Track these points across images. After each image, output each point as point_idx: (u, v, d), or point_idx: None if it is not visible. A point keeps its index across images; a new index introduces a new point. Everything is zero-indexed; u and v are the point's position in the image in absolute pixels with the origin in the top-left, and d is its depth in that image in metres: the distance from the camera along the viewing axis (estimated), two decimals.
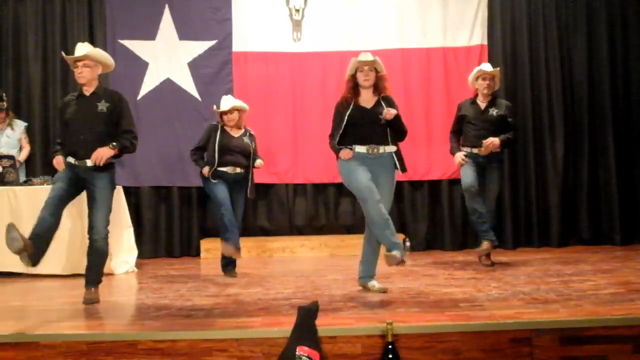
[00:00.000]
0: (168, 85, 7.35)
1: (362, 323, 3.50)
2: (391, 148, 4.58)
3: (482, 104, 5.85)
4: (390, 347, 3.19)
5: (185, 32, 7.36)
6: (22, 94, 7.35)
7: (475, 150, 5.77)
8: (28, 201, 5.79)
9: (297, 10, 7.39)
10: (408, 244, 7.18)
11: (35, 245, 4.24)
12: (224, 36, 7.38)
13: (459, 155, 5.80)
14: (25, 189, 5.88)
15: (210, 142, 5.63)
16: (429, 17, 7.42)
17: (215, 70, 7.35)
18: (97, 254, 4.49)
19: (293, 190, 7.54)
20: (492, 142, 5.66)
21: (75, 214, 5.67)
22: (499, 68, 6.02)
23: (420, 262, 6.21)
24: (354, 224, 7.38)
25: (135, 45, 7.35)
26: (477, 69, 5.94)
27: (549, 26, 7.46)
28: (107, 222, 4.48)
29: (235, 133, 5.70)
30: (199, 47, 7.36)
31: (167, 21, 7.36)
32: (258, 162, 5.73)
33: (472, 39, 7.39)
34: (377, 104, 4.60)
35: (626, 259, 5.99)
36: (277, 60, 7.41)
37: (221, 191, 5.52)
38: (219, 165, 5.53)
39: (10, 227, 4.11)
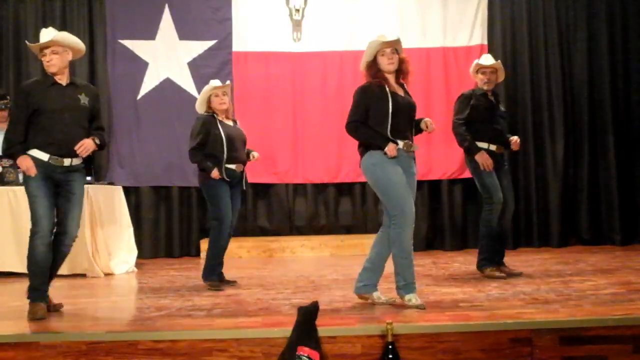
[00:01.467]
0: (168, 85, 7.35)
1: (362, 323, 3.50)
2: (416, 147, 4.06)
3: (492, 99, 5.28)
4: (390, 347, 3.18)
5: (185, 32, 7.36)
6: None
7: (492, 148, 5.11)
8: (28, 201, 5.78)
9: (297, 10, 7.39)
10: None
11: (42, 296, 3.98)
12: (224, 36, 7.38)
13: (486, 157, 5.00)
14: (24, 189, 5.86)
15: (211, 135, 4.90)
16: (429, 17, 7.42)
17: (215, 70, 7.34)
18: (62, 258, 4.14)
19: (293, 190, 7.54)
20: (517, 141, 5.22)
21: None
22: (499, 60, 5.54)
23: (420, 262, 6.20)
24: (354, 224, 7.38)
25: (135, 45, 7.35)
26: (475, 62, 5.42)
27: (549, 26, 7.46)
28: (78, 225, 4.13)
29: (229, 123, 5.10)
30: (199, 46, 7.37)
31: (167, 21, 7.36)
32: (255, 154, 5.20)
33: (472, 39, 7.39)
34: (406, 93, 4.11)
35: (626, 259, 5.99)
36: (277, 60, 7.41)
37: (226, 200, 4.90)
38: (227, 162, 4.89)
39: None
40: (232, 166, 4.95)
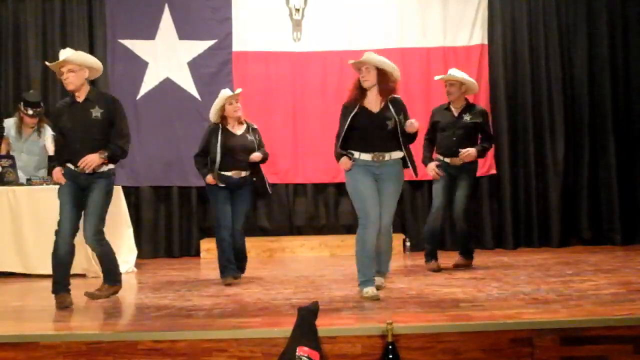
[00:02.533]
0: (168, 85, 7.35)
1: (362, 323, 3.50)
2: (398, 154, 4.42)
3: (456, 110, 5.64)
4: (390, 347, 3.18)
5: (185, 32, 7.35)
6: (22, 92, 7.33)
7: (447, 160, 5.58)
8: (28, 201, 5.79)
9: (297, 10, 7.38)
10: (408, 244, 7.19)
11: (65, 287, 4.43)
12: (224, 36, 7.38)
13: (432, 168, 5.58)
14: (24, 189, 5.88)
15: (212, 143, 5.22)
16: (429, 16, 7.41)
17: (215, 70, 7.34)
18: (99, 256, 4.63)
19: (293, 190, 7.54)
20: (469, 153, 5.48)
21: None
22: (463, 76, 5.68)
23: (420, 263, 6.20)
24: (354, 224, 7.30)
25: (135, 45, 7.34)
26: (442, 76, 5.79)
27: (549, 26, 7.45)
28: (98, 228, 4.49)
29: (238, 130, 5.32)
30: (199, 46, 7.36)
31: (166, 21, 7.35)
32: (254, 154, 5.24)
33: (473, 39, 7.39)
34: (385, 108, 4.42)
35: (627, 259, 5.99)
36: (277, 60, 7.40)
37: (223, 207, 5.18)
38: (221, 169, 5.16)
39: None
40: (228, 173, 5.19)
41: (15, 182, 5.97)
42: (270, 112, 7.34)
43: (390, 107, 4.42)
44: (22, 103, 6.33)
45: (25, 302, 4.70)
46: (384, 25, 7.39)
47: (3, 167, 5.97)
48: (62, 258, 4.39)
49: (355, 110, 4.38)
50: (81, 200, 4.45)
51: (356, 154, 4.38)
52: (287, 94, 7.41)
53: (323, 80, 7.39)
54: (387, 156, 4.38)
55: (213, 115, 5.34)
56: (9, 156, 6.08)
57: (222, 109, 5.28)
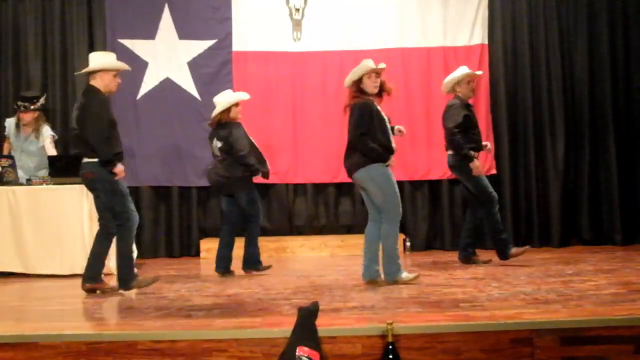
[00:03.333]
0: (168, 85, 7.34)
1: (362, 323, 3.50)
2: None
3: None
4: (390, 347, 3.18)
5: (185, 32, 7.35)
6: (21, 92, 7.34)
7: (477, 155, 5.81)
8: (28, 201, 5.79)
9: (297, 10, 7.38)
10: (408, 244, 7.19)
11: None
12: (224, 36, 7.37)
13: (479, 164, 5.76)
14: (24, 189, 5.87)
15: (251, 143, 5.73)
16: (429, 16, 7.41)
17: (215, 69, 7.34)
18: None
19: (293, 190, 7.53)
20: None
21: (77, 215, 5.67)
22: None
23: (421, 262, 6.20)
24: (354, 224, 7.37)
25: (135, 45, 7.33)
26: (464, 72, 5.85)
27: (550, 25, 7.45)
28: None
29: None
30: (199, 46, 7.35)
31: (166, 20, 7.35)
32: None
33: (473, 39, 7.38)
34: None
35: (627, 259, 5.98)
36: (277, 59, 7.40)
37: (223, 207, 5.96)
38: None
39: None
40: None
41: (15, 182, 5.96)
42: (270, 112, 7.34)
43: None
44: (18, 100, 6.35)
45: (25, 302, 4.70)
46: (384, 25, 7.38)
47: (3, 167, 5.96)
48: None
49: (383, 113, 4.82)
50: None
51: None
52: (287, 94, 7.41)
53: (323, 80, 7.39)
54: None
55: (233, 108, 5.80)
56: (9, 156, 6.08)
57: (229, 109, 5.71)
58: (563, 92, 7.40)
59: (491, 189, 5.78)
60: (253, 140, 5.74)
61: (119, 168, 4.69)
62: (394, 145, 4.84)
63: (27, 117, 6.30)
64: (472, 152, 5.68)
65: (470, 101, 6.03)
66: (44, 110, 6.46)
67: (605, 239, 7.26)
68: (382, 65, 4.79)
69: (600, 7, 7.42)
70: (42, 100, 6.43)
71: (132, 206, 4.83)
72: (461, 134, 5.66)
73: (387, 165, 4.77)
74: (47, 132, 6.42)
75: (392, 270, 4.81)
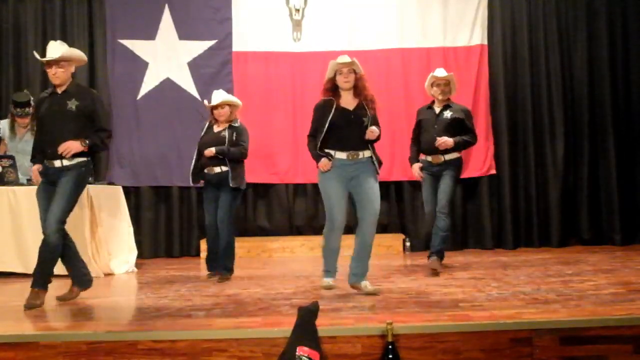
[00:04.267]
0: (168, 85, 7.35)
1: (362, 323, 3.50)
2: (368, 152, 4.59)
3: (437, 109, 5.76)
4: (390, 347, 3.18)
5: (185, 32, 7.36)
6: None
7: (429, 159, 5.69)
8: (28, 201, 5.78)
9: (297, 10, 7.38)
10: (408, 244, 7.19)
11: (44, 284, 4.34)
12: (224, 36, 7.38)
13: (416, 169, 5.77)
14: (25, 189, 5.87)
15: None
16: (429, 17, 7.42)
17: (215, 70, 7.34)
18: (44, 250, 4.25)
19: (293, 190, 7.54)
20: (445, 141, 5.50)
21: (73, 215, 5.66)
22: (452, 73, 5.88)
23: (420, 262, 6.20)
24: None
25: (135, 45, 7.34)
26: (430, 75, 5.85)
27: (549, 26, 7.46)
28: (61, 217, 4.25)
29: (219, 128, 5.51)
30: (199, 46, 7.36)
31: (167, 21, 7.36)
32: (206, 150, 5.32)
33: (472, 39, 7.39)
34: (359, 106, 4.60)
35: (626, 259, 5.99)
36: (277, 60, 7.41)
37: (207, 204, 5.53)
38: (202, 167, 5.43)
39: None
40: (205, 170, 5.42)
41: (16, 182, 5.97)
42: (270, 112, 7.35)
43: (365, 106, 4.61)
44: (12, 104, 6.36)
45: (24, 302, 4.69)
46: (384, 26, 7.39)
47: (3, 167, 5.97)
48: (49, 258, 4.29)
49: (333, 109, 4.55)
50: (52, 198, 4.33)
51: (332, 153, 4.56)
52: (287, 94, 7.42)
53: (323, 80, 7.37)
54: (360, 154, 4.55)
55: (207, 107, 5.64)
56: (9, 156, 6.08)
57: (212, 108, 5.55)
58: (562, 92, 7.41)
59: (424, 201, 5.79)
60: (206, 139, 5.47)
61: (32, 170, 4.58)
62: (336, 151, 4.54)
63: (25, 121, 6.35)
64: (421, 157, 5.77)
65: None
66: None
67: (605, 239, 7.27)
68: (343, 59, 4.58)
69: (600, 7, 7.43)
70: (32, 102, 6.46)
71: (40, 210, 4.37)
72: (413, 141, 5.88)
73: (322, 169, 4.58)
74: None
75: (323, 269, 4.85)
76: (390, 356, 3.17)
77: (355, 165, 4.56)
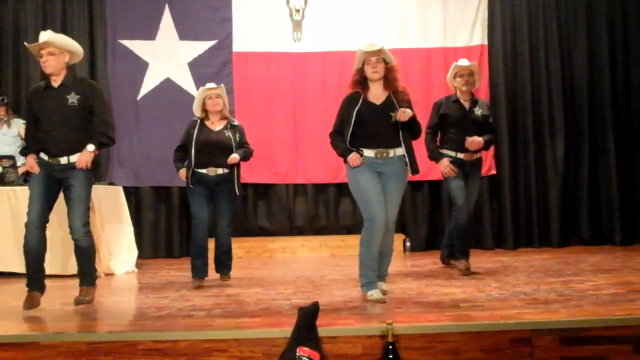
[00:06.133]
0: (168, 85, 7.36)
1: (362, 323, 3.50)
2: (401, 150, 4.20)
3: (466, 103, 5.37)
4: (390, 347, 3.18)
5: (185, 32, 7.37)
6: (21, 94, 7.35)
7: (460, 156, 5.30)
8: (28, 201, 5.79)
9: (297, 10, 7.39)
10: (408, 244, 7.20)
11: (38, 285, 4.29)
12: (224, 36, 7.39)
13: (447, 164, 5.26)
14: (25, 189, 5.82)
15: (188, 139, 5.15)
16: (429, 17, 7.42)
17: (215, 70, 7.35)
18: (81, 252, 4.32)
19: (293, 190, 7.54)
20: (477, 140, 5.22)
21: None
22: (476, 62, 5.65)
23: (421, 262, 6.21)
24: (355, 224, 7.38)
25: (136, 45, 7.35)
26: (453, 65, 5.50)
27: (549, 26, 7.47)
28: (86, 220, 4.26)
29: (217, 126, 5.19)
30: (199, 47, 7.37)
31: (167, 21, 7.36)
32: (232, 156, 5.07)
33: (473, 39, 7.40)
34: (388, 100, 4.23)
35: (626, 259, 5.98)
36: (278, 60, 7.42)
37: (197, 202, 5.07)
38: (196, 166, 5.06)
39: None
40: (203, 170, 5.08)
41: (16, 182, 5.98)
42: (270, 112, 7.36)
43: (394, 99, 4.24)
44: None
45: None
46: (384, 26, 7.39)
47: (4, 168, 5.98)
48: (33, 252, 4.21)
49: (359, 103, 4.20)
50: (53, 192, 4.25)
51: (361, 151, 4.18)
52: (287, 94, 7.42)
53: (323, 81, 7.40)
54: (391, 153, 4.19)
55: (195, 109, 5.28)
56: (9, 156, 6.10)
57: (203, 103, 5.21)
58: (562, 92, 7.41)
59: (457, 192, 5.30)
60: (197, 140, 5.11)
61: (27, 161, 4.34)
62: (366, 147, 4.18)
63: (1, 110, 6.50)
64: (443, 152, 5.35)
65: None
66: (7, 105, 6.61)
67: (605, 239, 7.27)
68: (370, 47, 4.22)
69: (600, 7, 7.43)
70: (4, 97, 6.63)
71: (33, 206, 4.22)
72: (432, 135, 5.42)
73: (352, 164, 4.16)
74: (19, 120, 6.54)
75: (360, 281, 4.27)
76: (391, 356, 3.17)
77: (384, 164, 4.19)
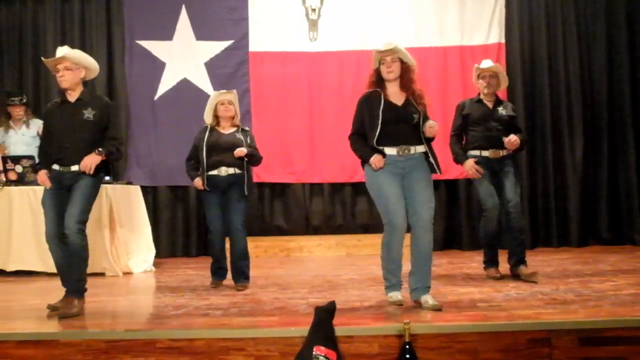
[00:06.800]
0: (185, 85, 7.40)
1: (379, 323, 3.49)
2: (422, 148, 4.09)
3: (490, 103, 5.27)
4: (407, 347, 3.17)
5: (202, 33, 7.40)
6: (41, 94, 7.45)
7: (485, 154, 5.17)
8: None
9: (314, 10, 7.39)
10: None
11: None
12: (241, 36, 7.41)
13: (472, 165, 5.12)
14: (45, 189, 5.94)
15: (199, 145, 5.13)
16: (446, 15, 7.39)
17: (231, 70, 7.38)
18: (71, 253, 4.13)
19: (310, 189, 7.55)
20: (515, 139, 5.04)
21: (93, 215, 5.71)
22: (498, 64, 5.56)
23: (437, 262, 6.18)
24: (371, 224, 7.37)
25: (153, 46, 7.40)
26: (475, 66, 5.41)
27: (568, 23, 7.40)
28: (81, 219, 4.14)
29: (227, 130, 5.17)
30: (216, 47, 7.40)
31: (184, 21, 7.40)
32: (238, 149, 4.98)
33: (490, 38, 7.35)
34: (407, 101, 4.13)
35: None
36: (294, 60, 7.43)
37: (212, 212, 5.06)
38: (208, 169, 5.01)
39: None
40: (214, 172, 5.02)
41: (36, 182, 6.03)
42: (286, 112, 7.37)
43: (413, 101, 4.17)
44: (6, 97, 6.67)
45: (46, 300, 4.72)
46: (401, 25, 7.37)
47: (23, 167, 6.05)
48: (58, 266, 4.24)
49: (382, 103, 4.09)
50: (65, 202, 4.21)
51: (382, 150, 4.05)
52: (303, 94, 7.43)
53: (339, 80, 7.40)
54: (412, 149, 4.05)
55: (207, 116, 5.24)
56: (29, 156, 6.17)
57: (215, 109, 5.19)
58: (581, 91, 7.34)
59: (484, 196, 5.15)
60: (208, 143, 5.08)
61: (39, 176, 4.36)
62: (385, 147, 4.05)
63: (20, 109, 6.63)
64: (468, 153, 5.23)
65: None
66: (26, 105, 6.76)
67: (625, 239, 7.20)
68: (384, 47, 4.12)
69: (619, 4, 7.35)
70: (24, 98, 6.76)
71: (47, 217, 4.24)
72: (456, 137, 5.33)
73: (375, 167, 4.02)
74: (37, 121, 6.68)
75: (388, 284, 4.14)
76: (407, 356, 3.16)
77: (406, 162, 4.05)
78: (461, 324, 3.39)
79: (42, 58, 4.51)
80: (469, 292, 4.45)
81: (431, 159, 4.10)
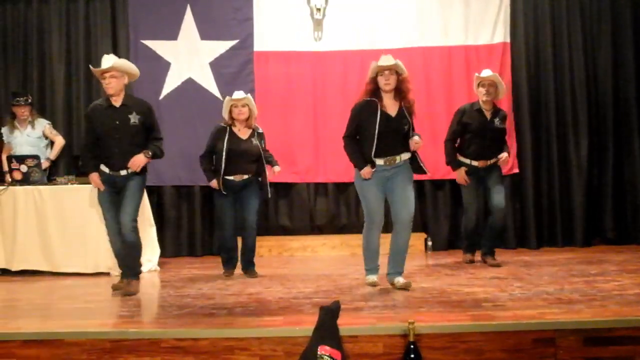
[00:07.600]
0: (190, 85, 7.40)
1: (383, 322, 3.49)
2: (406, 155, 4.60)
3: (488, 112, 5.71)
4: (412, 346, 3.18)
5: (206, 32, 7.40)
6: (46, 94, 7.46)
7: (475, 163, 5.71)
8: (53, 200, 5.87)
9: (318, 9, 7.38)
10: (430, 243, 7.16)
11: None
12: (245, 36, 7.41)
13: (462, 175, 5.74)
14: (50, 189, 5.96)
15: (217, 146, 5.45)
16: (451, 15, 7.37)
17: (236, 69, 7.37)
18: (127, 246, 4.78)
19: (314, 189, 7.54)
20: (507, 158, 5.74)
21: (97, 214, 5.73)
22: (497, 73, 5.89)
23: (442, 262, 6.18)
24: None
25: (157, 45, 7.40)
26: (475, 75, 5.82)
27: (573, 23, 7.37)
28: (134, 216, 4.75)
29: (244, 134, 5.50)
30: (221, 46, 7.39)
31: (188, 21, 7.40)
32: (276, 168, 5.70)
33: (495, 37, 7.32)
34: (400, 111, 4.56)
35: None
36: (298, 59, 7.42)
37: (226, 210, 5.49)
38: (225, 174, 5.40)
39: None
40: (230, 177, 5.41)
41: (41, 182, 6.06)
42: (291, 111, 7.36)
43: (404, 111, 4.58)
44: (11, 98, 6.75)
45: (49, 300, 4.77)
46: (405, 24, 7.35)
47: (29, 167, 6.07)
48: (115, 251, 4.94)
49: (379, 113, 4.49)
50: (119, 202, 4.78)
51: (374, 161, 4.56)
52: (308, 93, 7.42)
53: (344, 80, 7.38)
54: (397, 159, 4.57)
55: (224, 112, 5.58)
56: (34, 156, 6.18)
57: (230, 109, 5.52)
58: (587, 90, 7.31)
59: (468, 200, 5.84)
60: (227, 149, 5.39)
61: (92, 179, 4.86)
62: (378, 158, 4.57)
63: (25, 110, 6.71)
64: (460, 158, 5.79)
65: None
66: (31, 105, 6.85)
67: (630, 238, 7.16)
68: (384, 62, 4.51)
69: (625, 4, 7.32)
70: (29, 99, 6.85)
71: (107, 215, 4.88)
72: (452, 142, 5.82)
73: (364, 177, 4.58)
74: (43, 121, 6.84)
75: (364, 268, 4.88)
76: (412, 356, 3.17)
77: (392, 169, 4.58)
78: (466, 324, 3.39)
79: (90, 67, 5.00)
80: (473, 291, 4.45)
81: (420, 163, 4.63)
